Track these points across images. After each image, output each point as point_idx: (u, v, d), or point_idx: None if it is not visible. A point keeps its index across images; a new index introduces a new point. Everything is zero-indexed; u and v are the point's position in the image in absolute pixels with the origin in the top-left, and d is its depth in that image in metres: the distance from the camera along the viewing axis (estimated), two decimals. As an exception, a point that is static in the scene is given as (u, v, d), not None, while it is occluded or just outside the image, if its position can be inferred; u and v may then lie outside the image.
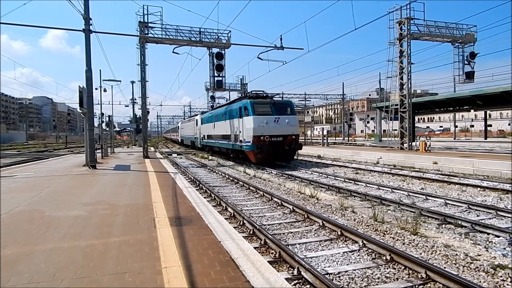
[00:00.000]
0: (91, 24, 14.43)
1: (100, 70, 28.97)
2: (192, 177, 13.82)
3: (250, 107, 17.29)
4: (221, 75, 20.87)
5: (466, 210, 7.83)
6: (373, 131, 66.80)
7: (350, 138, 52.22)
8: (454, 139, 48.74)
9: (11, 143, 61.11)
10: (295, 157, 19.47)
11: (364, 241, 5.40)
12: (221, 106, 26.82)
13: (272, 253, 5.12)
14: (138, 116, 41.04)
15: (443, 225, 6.67)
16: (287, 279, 3.95)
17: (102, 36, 18.37)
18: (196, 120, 32.74)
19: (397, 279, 4.27)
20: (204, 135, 28.90)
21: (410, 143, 22.81)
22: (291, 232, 6.33)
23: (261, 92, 19.70)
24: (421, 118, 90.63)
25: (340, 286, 4.08)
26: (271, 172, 15.62)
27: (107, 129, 29.31)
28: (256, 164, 17.42)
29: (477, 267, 4.47)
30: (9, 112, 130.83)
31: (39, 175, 12.00)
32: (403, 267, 4.55)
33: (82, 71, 14.42)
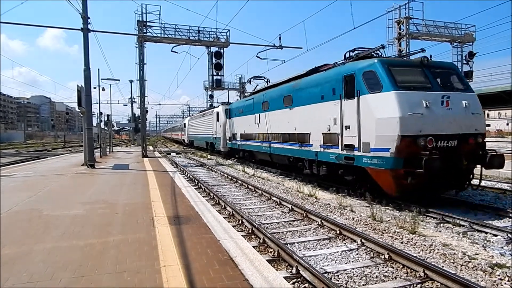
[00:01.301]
0: (89, 23, 14.42)
1: (98, 69, 29.02)
2: (191, 176, 13.81)
3: (383, 72, 7.95)
4: (220, 74, 20.88)
5: (465, 210, 7.84)
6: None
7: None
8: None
9: (9, 143, 60.97)
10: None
11: (363, 240, 5.42)
12: (271, 86, 15.52)
13: (271, 252, 5.13)
14: (136, 115, 40.93)
15: (441, 224, 6.69)
16: (285, 277, 3.96)
17: (100, 35, 18.38)
18: (217, 114, 23.89)
19: (395, 277, 4.28)
20: (234, 135, 19.93)
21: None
22: (290, 231, 6.34)
23: (378, 49, 9.64)
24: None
25: (339, 284, 4.09)
26: (270, 171, 14.67)
27: (106, 128, 29.30)
28: (398, 200, 8.32)
29: (475, 266, 4.48)
30: (7, 112, 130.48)
31: (37, 175, 11.98)
32: (401, 266, 4.56)
33: (81, 70, 14.43)
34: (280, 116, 13.22)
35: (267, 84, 17.90)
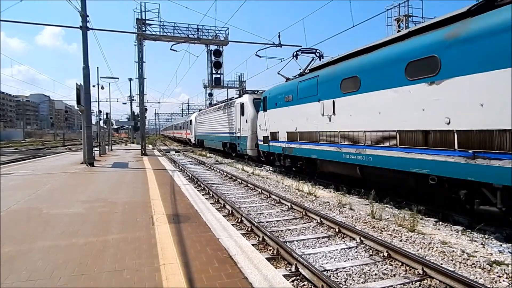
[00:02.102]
0: (88, 21, 14.39)
1: (97, 67, 28.74)
2: (190, 175, 13.81)
3: None
4: (219, 72, 20.91)
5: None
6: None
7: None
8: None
9: (9, 141, 60.91)
10: None
11: (362, 238, 5.43)
12: (358, 52, 9.23)
13: (270, 250, 5.14)
14: (136, 114, 40.79)
15: (440, 222, 6.71)
16: (285, 275, 3.97)
17: (99, 33, 18.35)
18: (241, 105, 18.44)
19: (394, 275, 4.29)
20: (273, 133, 13.97)
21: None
22: (289, 229, 6.35)
23: None
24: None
25: (338, 282, 4.10)
26: (269, 170, 15.34)
27: (105, 126, 29.27)
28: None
29: (474, 264, 4.50)
30: (6, 110, 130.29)
31: (36, 173, 11.97)
32: (400, 264, 4.57)
33: (79, 69, 14.44)
34: (393, 100, 7.51)
35: (320, 59, 13.18)
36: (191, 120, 36.08)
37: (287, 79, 13.78)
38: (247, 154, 17.93)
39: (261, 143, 15.58)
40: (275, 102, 13.73)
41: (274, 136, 13.89)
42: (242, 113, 18.33)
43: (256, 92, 18.61)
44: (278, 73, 14.72)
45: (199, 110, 37.06)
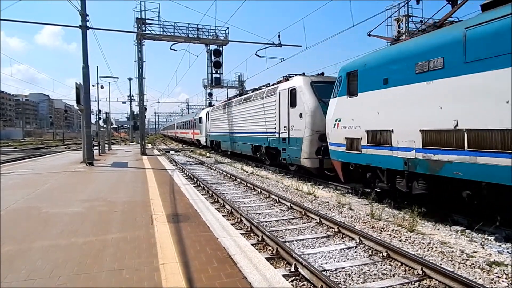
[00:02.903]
0: (88, 21, 14.39)
1: (97, 66, 28.64)
2: (189, 174, 13.80)
3: None
4: (219, 72, 20.89)
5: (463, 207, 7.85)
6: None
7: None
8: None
9: (8, 140, 60.85)
10: None
11: (361, 238, 5.43)
12: None
13: (269, 249, 5.14)
14: (135, 113, 40.76)
15: (440, 222, 6.71)
16: (284, 275, 3.97)
17: (99, 32, 18.33)
18: (291, 92, 12.61)
19: (394, 275, 4.29)
20: (380, 133, 7.67)
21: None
22: (289, 229, 6.35)
23: None
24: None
25: (337, 282, 4.10)
26: (269, 169, 15.41)
27: (104, 126, 29.23)
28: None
29: (473, 264, 4.51)
30: (6, 109, 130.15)
31: (36, 172, 11.96)
32: (399, 264, 4.58)
33: (79, 68, 14.45)
34: None
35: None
36: (200, 118, 30.09)
37: (393, 41, 8.59)
38: (299, 164, 12.13)
39: (338, 149, 9.41)
40: (382, 77, 7.79)
41: (379, 138, 7.85)
42: (292, 104, 12.55)
43: (303, 74, 13.08)
44: (369, 34, 9.76)
45: (210, 105, 31.64)
